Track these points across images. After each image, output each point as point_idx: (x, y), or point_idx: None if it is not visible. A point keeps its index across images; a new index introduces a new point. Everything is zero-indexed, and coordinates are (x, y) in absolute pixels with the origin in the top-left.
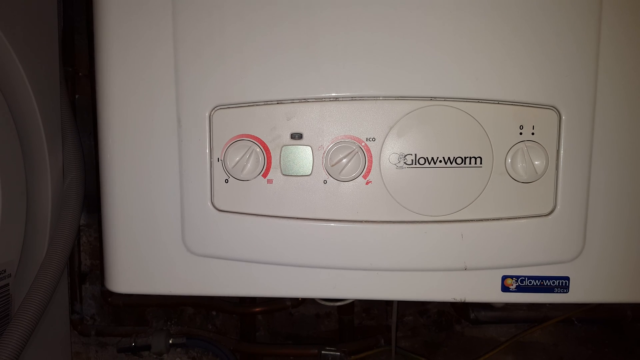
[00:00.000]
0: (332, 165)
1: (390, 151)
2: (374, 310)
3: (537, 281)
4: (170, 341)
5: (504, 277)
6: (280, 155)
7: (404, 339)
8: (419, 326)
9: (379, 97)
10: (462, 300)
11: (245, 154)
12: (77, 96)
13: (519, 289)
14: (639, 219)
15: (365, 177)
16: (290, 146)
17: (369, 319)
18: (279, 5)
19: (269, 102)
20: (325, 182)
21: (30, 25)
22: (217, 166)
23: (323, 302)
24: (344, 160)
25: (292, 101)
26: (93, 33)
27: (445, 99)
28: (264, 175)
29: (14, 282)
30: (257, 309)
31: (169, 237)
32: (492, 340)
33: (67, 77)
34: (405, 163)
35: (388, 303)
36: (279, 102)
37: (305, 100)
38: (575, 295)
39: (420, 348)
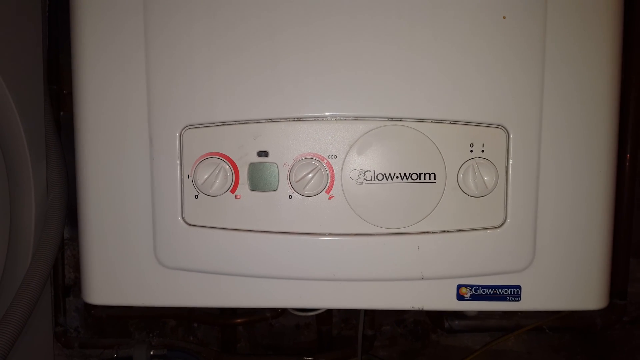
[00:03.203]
0: (297, 181)
1: (351, 168)
2: (352, 321)
3: (490, 290)
4: (152, 353)
5: (459, 286)
6: (247, 172)
7: (382, 349)
8: (396, 335)
9: (340, 117)
10: (420, 309)
11: (214, 171)
12: (61, 113)
13: (474, 298)
14: (585, 230)
15: (328, 192)
16: (257, 163)
17: (347, 329)
18: (243, 33)
19: (236, 122)
20: (290, 197)
21: (15, 45)
22: (187, 183)
23: (297, 313)
24: (308, 177)
25: (259, 121)
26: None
27: (401, 119)
28: (232, 191)
29: None
30: (238, 320)
31: (141, 250)
32: (467, 349)
33: (51, 95)
34: (365, 179)
35: (366, 313)
36: (246, 122)
37: (270, 120)
38: (527, 303)
39: (398, 357)
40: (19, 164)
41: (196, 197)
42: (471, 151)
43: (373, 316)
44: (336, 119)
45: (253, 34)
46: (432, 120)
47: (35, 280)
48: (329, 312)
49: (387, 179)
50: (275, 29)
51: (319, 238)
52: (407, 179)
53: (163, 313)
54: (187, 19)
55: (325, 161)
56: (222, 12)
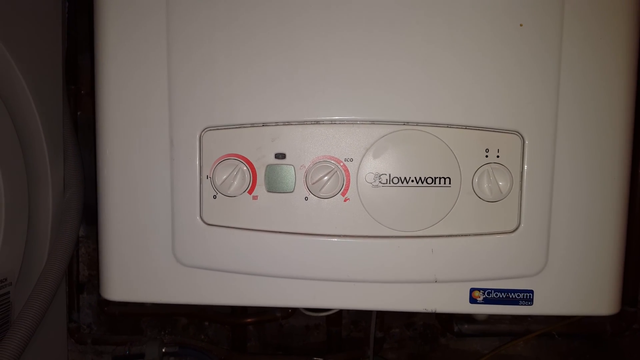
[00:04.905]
0: (313, 183)
1: (366, 171)
2: (361, 323)
3: (503, 294)
4: (164, 350)
5: (472, 290)
6: (265, 174)
7: (391, 351)
8: (405, 338)
9: (357, 121)
10: (433, 311)
11: (232, 172)
12: (79, 113)
13: (486, 301)
14: (598, 236)
15: (343, 194)
16: (274, 165)
17: (357, 331)
18: (264, 38)
19: (255, 125)
20: (306, 198)
21: (35, 46)
22: (206, 183)
23: (308, 313)
24: (324, 179)
25: (277, 124)
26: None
27: (417, 123)
28: (250, 192)
29: (15, 290)
30: (248, 320)
31: (160, 248)
32: (476, 353)
33: (69, 95)
34: (380, 182)
35: (376, 315)
36: (264, 124)
37: (288, 123)
38: (539, 307)
39: None
40: (37, 163)
41: (214, 197)
42: (486, 156)
43: (382, 319)
44: (353, 122)
45: (273, 39)
46: (448, 125)
47: (51, 278)
48: (339, 313)
49: (402, 183)
50: (295, 34)
51: (334, 239)
52: (423, 182)
53: (175, 311)
54: (208, 23)
55: (342, 164)
56: (243, 17)
